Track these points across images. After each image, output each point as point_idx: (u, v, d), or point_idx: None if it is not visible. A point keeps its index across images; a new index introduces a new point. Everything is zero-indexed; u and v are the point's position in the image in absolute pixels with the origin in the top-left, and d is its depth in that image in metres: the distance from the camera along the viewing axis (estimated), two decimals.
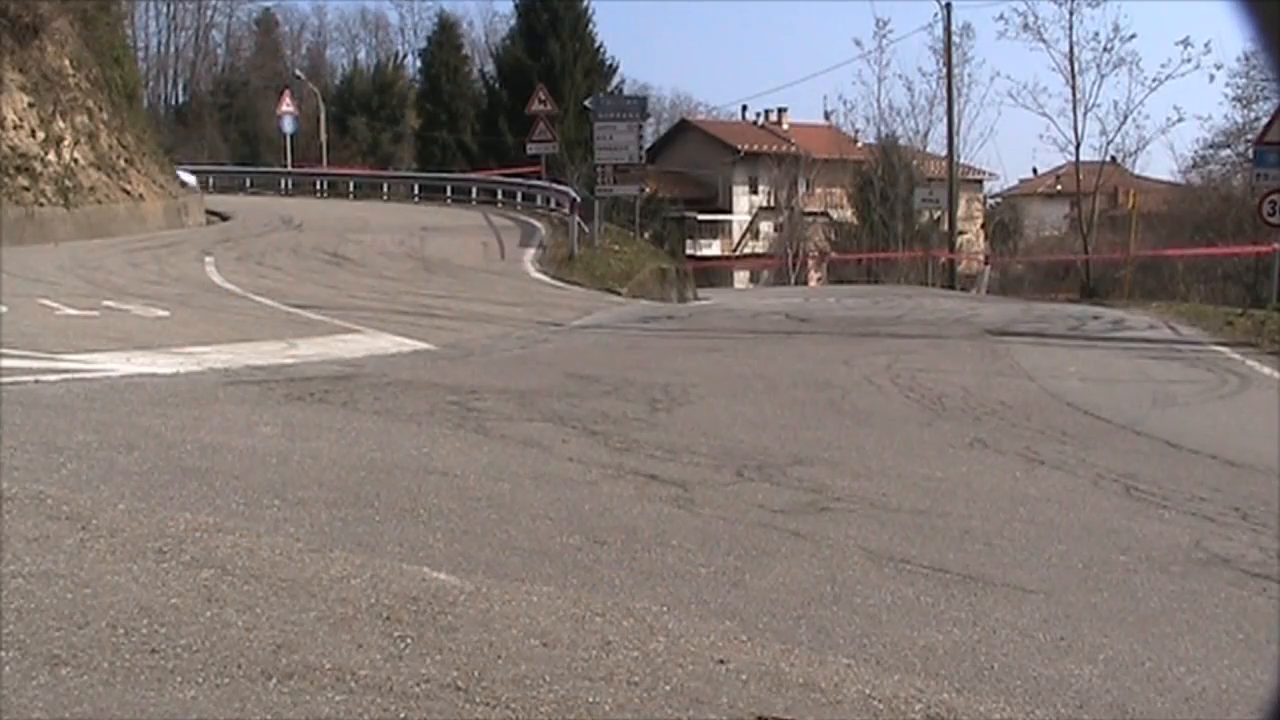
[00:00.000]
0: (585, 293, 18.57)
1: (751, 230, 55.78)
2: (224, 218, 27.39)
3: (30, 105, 20.47)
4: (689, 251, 47.62)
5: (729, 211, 56.28)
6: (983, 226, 47.27)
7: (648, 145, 28.31)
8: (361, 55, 68.99)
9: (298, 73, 57.00)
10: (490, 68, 54.01)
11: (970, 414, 8.48)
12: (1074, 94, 31.83)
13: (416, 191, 37.28)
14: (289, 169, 41.02)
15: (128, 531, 4.39)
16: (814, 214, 51.66)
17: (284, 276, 17.26)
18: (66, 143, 21.11)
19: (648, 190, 32.66)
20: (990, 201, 51.21)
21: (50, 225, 19.55)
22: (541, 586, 4.19)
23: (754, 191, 56.41)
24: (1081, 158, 33.20)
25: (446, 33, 58.58)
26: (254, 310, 13.16)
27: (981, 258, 40.50)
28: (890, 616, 4.17)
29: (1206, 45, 31.75)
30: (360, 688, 3.18)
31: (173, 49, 64.55)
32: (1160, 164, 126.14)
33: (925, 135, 43.20)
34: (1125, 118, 32.42)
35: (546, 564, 4.52)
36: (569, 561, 4.58)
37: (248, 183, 38.82)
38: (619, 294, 19.16)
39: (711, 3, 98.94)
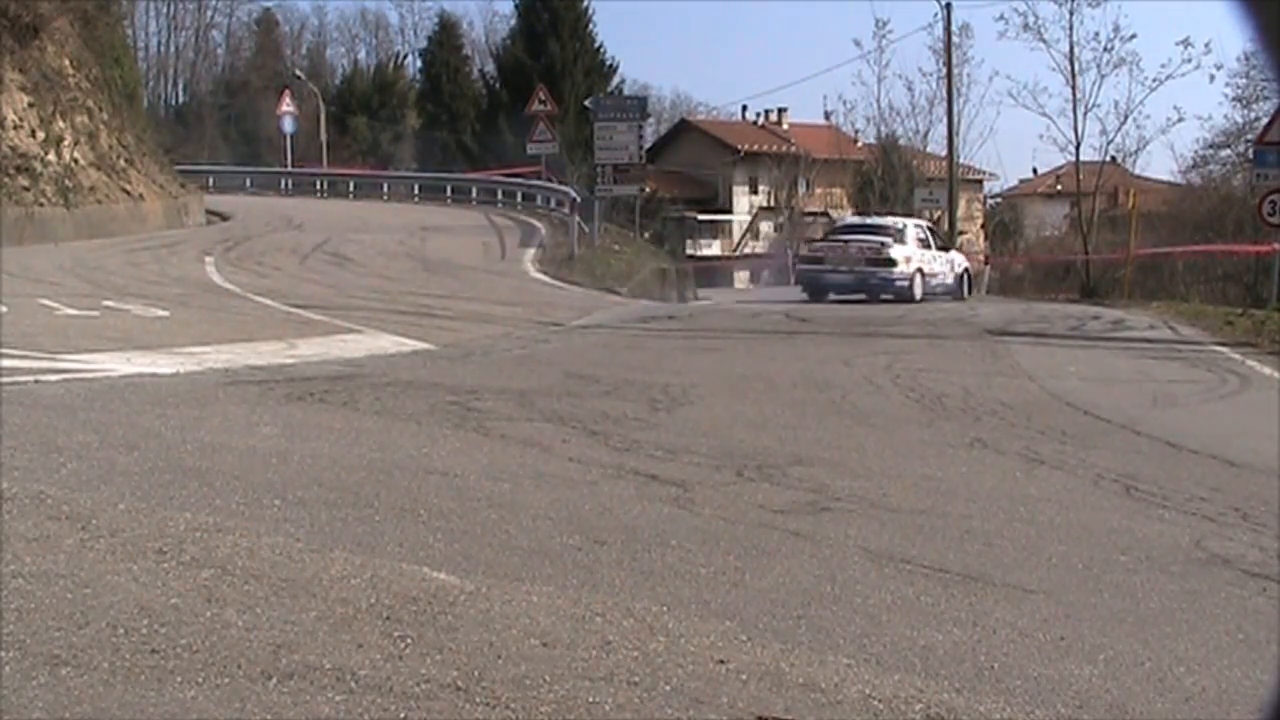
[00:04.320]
0: (585, 293, 18.58)
1: (751, 230, 55.79)
2: (224, 217, 27.39)
3: (30, 105, 20.46)
4: (689, 251, 47.65)
5: (729, 211, 56.27)
6: (983, 226, 47.22)
7: (648, 145, 28.31)
8: (361, 55, 68.96)
9: (298, 73, 56.92)
10: (490, 68, 54.06)
11: (970, 414, 8.48)
12: (1074, 94, 31.80)
13: (416, 191, 37.31)
14: (289, 169, 41.04)
15: (128, 531, 4.39)
16: (814, 214, 51.68)
17: (284, 276, 17.27)
18: (66, 143, 21.10)
19: (648, 190, 32.68)
20: (990, 201, 51.19)
21: (50, 225, 19.54)
22: (541, 586, 4.19)
23: (754, 191, 56.41)
24: (1081, 158, 33.18)
25: (447, 33, 58.59)
26: (254, 310, 13.16)
27: (981, 258, 40.49)
28: (890, 616, 4.17)
29: (1206, 45, 31.66)
30: (360, 688, 3.18)
31: (173, 49, 64.55)
32: (1160, 164, 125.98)
33: (925, 135, 43.16)
34: (1125, 118, 32.38)
35: (546, 564, 4.52)
36: (569, 561, 4.58)
37: (248, 183, 38.83)
38: (619, 294, 19.18)
39: (711, 3, 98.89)
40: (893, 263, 20.81)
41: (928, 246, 22.23)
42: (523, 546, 4.73)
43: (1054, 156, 48.47)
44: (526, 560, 4.55)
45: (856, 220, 26.07)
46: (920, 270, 21.25)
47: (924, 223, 24.42)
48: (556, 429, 7.11)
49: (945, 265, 22.65)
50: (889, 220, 23.97)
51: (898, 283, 20.77)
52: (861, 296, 20.45)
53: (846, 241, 21.81)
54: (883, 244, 21.09)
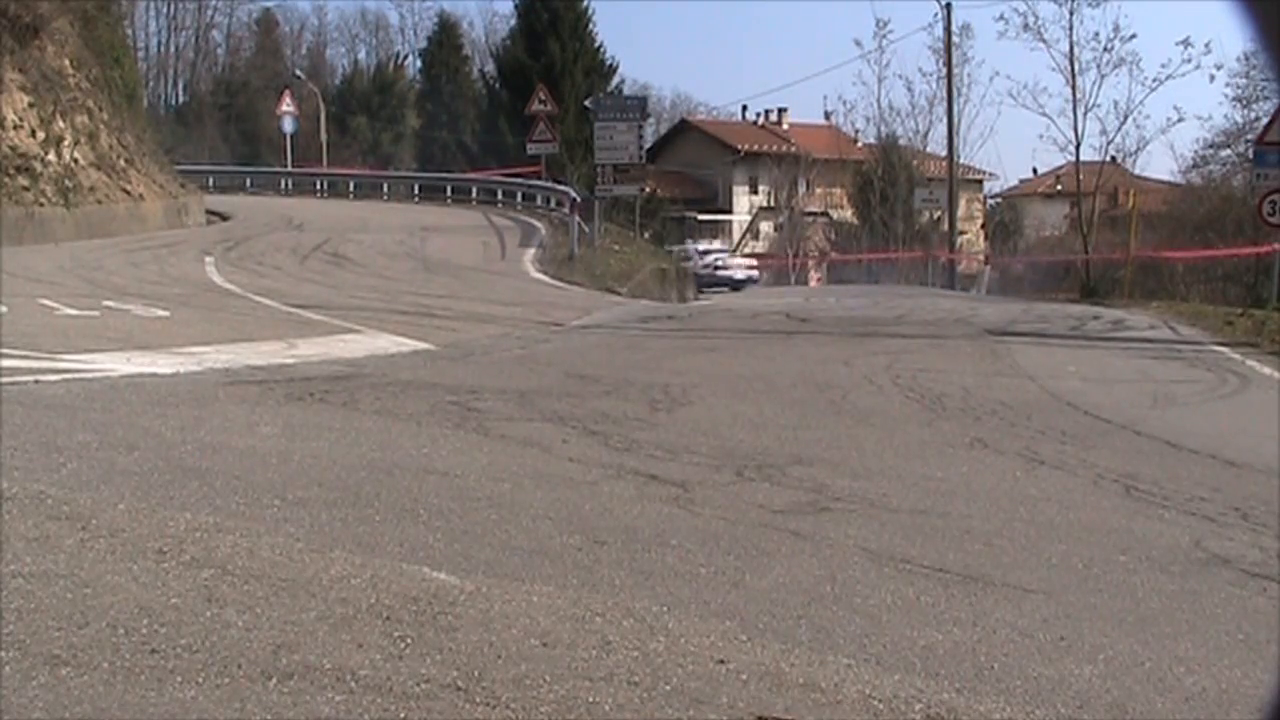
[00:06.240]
0: (585, 293, 18.58)
1: (751, 230, 55.76)
2: (224, 218, 27.39)
3: (30, 105, 20.46)
4: None
5: (729, 211, 56.26)
6: (983, 226, 47.26)
7: (648, 145, 28.33)
8: (361, 55, 69.04)
9: (298, 73, 56.93)
10: (490, 68, 54.01)
11: (970, 414, 8.48)
12: (1074, 94, 31.66)
13: (416, 191, 37.31)
14: (289, 169, 41.04)
15: (128, 531, 4.39)
16: (814, 214, 51.68)
17: (284, 276, 17.27)
18: (66, 143, 21.10)
19: (648, 190, 32.73)
20: (990, 201, 51.19)
21: (50, 225, 19.55)
22: (541, 586, 4.19)
23: (754, 191, 56.40)
24: (1081, 158, 33.09)
25: (447, 33, 58.70)
26: (254, 310, 13.16)
27: (981, 258, 40.49)
28: (890, 616, 4.17)
29: (1206, 45, 31.52)
30: (360, 688, 3.18)
31: (173, 49, 64.67)
32: (1160, 164, 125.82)
33: (925, 135, 43.27)
34: (1125, 118, 32.24)
35: (546, 564, 4.52)
36: (569, 561, 4.58)
37: (248, 183, 38.82)
38: (619, 294, 19.18)
39: (711, 3, 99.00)
40: (755, 268, 41.41)
41: None
42: (523, 546, 4.73)
43: (1054, 156, 48.49)
44: (526, 560, 4.55)
45: (706, 247, 42.47)
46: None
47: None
48: (556, 429, 7.11)
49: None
50: (724, 247, 45.65)
51: (755, 280, 39.19)
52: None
53: (729, 262, 40.16)
54: (749, 263, 42.15)
